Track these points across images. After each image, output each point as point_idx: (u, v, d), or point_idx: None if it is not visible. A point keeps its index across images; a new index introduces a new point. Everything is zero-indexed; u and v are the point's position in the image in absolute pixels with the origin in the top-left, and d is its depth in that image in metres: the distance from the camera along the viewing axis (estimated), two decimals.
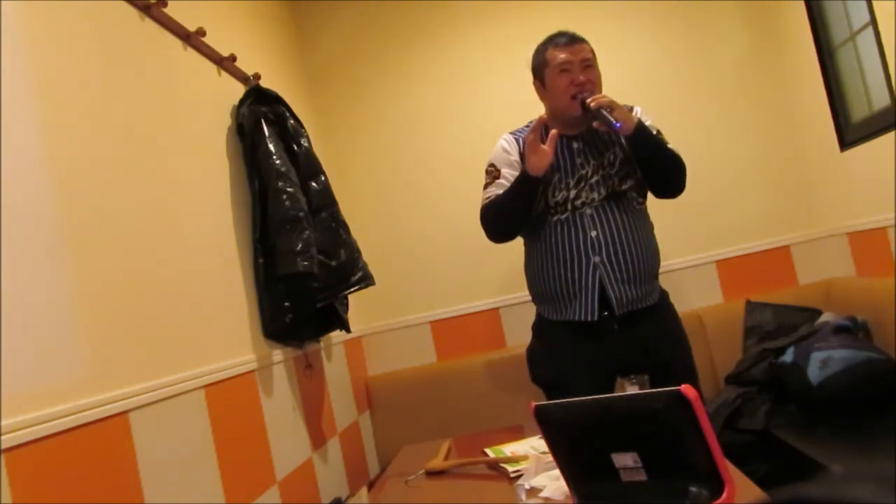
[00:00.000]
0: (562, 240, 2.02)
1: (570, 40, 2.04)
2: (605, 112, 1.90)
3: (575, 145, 2.05)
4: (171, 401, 1.45)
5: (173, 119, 1.76)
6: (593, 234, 1.99)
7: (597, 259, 1.98)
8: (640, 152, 1.99)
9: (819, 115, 2.75)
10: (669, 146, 2.04)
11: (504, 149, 2.12)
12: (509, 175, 2.06)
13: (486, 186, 2.12)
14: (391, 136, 3.12)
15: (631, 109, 2.06)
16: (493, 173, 2.11)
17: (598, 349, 2.00)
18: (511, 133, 2.15)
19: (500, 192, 2.06)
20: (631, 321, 1.99)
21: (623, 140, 2.01)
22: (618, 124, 1.89)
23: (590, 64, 2.02)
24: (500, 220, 2.08)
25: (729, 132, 2.99)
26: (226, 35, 2.16)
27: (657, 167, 2.02)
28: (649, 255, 2.03)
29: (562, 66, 2.01)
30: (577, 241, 1.99)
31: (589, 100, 1.94)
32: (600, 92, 2.02)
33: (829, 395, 2.17)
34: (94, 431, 1.21)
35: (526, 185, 1.98)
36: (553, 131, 1.92)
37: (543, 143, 1.92)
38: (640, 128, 1.96)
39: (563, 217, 2.02)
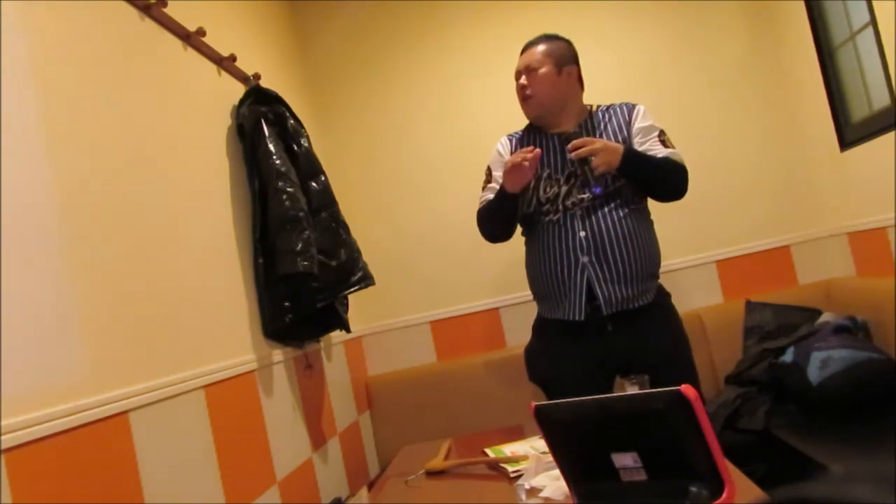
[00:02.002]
0: (553, 240, 2.03)
1: (527, 46, 2.16)
2: (587, 169, 1.98)
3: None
4: (171, 401, 1.45)
5: (173, 119, 1.75)
6: (582, 234, 2.00)
7: (585, 259, 1.99)
8: (632, 179, 2.02)
9: (819, 115, 2.75)
10: (670, 150, 2.03)
11: (499, 152, 2.19)
12: (500, 178, 2.10)
13: (482, 189, 2.19)
14: (391, 136, 3.12)
15: (633, 108, 2.07)
16: (487, 177, 2.20)
17: (594, 348, 2.01)
18: (508, 136, 2.20)
19: (491, 195, 2.13)
20: (627, 320, 1.99)
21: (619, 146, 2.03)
22: (597, 189, 1.99)
23: (534, 68, 2.10)
24: (488, 225, 2.18)
25: (729, 132, 2.99)
26: (226, 35, 2.16)
27: (654, 186, 2.06)
28: (642, 254, 2.02)
29: (516, 72, 2.15)
30: (567, 242, 2.01)
31: (568, 148, 1.97)
32: (545, 93, 2.09)
33: (829, 395, 2.17)
34: (94, 431, 1.21)
35: (504, 200, 2.04)
36: (537, 151, 1.94)
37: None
38: (627, 160, 1.95)
39: (555, 218, 2.04)
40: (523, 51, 2.15)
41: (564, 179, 2.03)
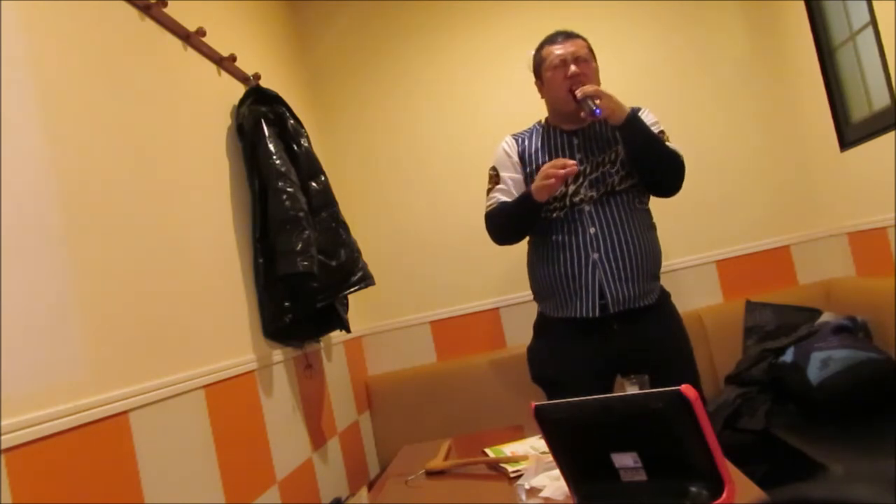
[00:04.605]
0: (562, 237, 2.03)
1: (566, 37, 2.08)
2: (588, 101, 1.93)
3: (575, 141, 2.08)
4: (171, 401, 1.45)
5: (173, 119, 1.75)
6: (592, 230, 2.00)
7: (595, 256, 1.99)
8: (630, 142, 2.01)
9: (819, 115, 2.75)
10: (669, 144, 2.04)
11: (505, 151, 2.16)
12: (509, 179, 2.11)
13: (488, 191, 2.16)
14: (391, 136, 3.12)
15: (637, 110, 2.07)
16: (493, 178, 2.16)
17: (599, 347, 2.01)
18: (513, 136, 2.18)
19: (501, 197, 2.10)
20: (630, 320, 2.00)
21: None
22: (598, 111, 1.92)
23: (585, 59, 2.04)
24: (501, 230, 2.14)
25: (729, 132, 2.99)
26: (226, 35, 2.16)
27: (650, 161, 2.02)
28: (648, 254, 2.03)
29: (556, 61, 2.04)
30: (577, 239, 2.00)
31: (577, 89, 1.97)
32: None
33: (829, 395, 2.17)
34: (94, 431, 1.21)
35: (527, 205, 2.00)
36: (573, 169, 1.90)
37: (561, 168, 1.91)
38: (632, 119, 1.97)
39: (563, 214, 2.03)
40: (556, 40, 2.08)
41: (572, 179, 2.02)
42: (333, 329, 2.34)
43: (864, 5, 2.35)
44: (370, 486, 2.61)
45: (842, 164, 2.68)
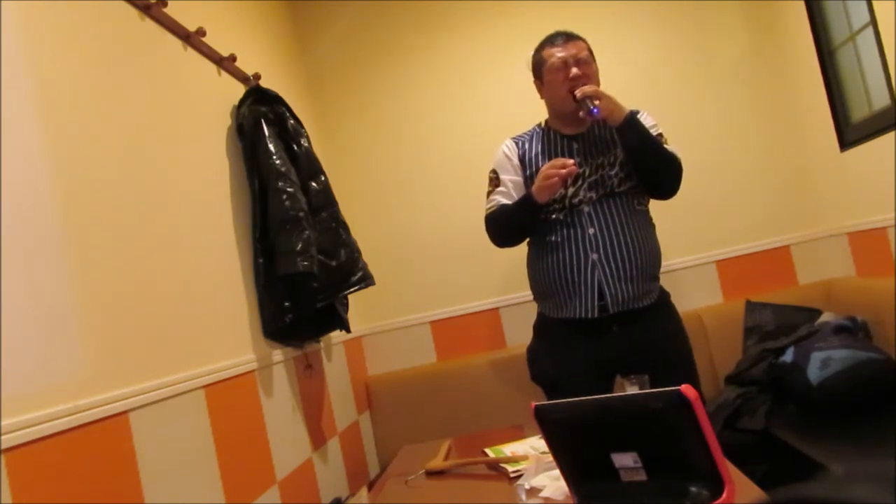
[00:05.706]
0: (561, 237, 2.03)
1: (567, 38, 2.08)
2: (587, 101, 1.93)
3: (575, 145, 2.08)
4: (171, 401, 1.45)
5: (173, 119, 1.75)
6: (591, 231, 2.00)
7: (595, 256, 1.99)
8: (629, 143, 2.01)
9: (819, 115, 2.75)
10: (668, 147, 2.04)
11: (505, 154, 2.16)
12: (509, 182, 2.11)
13: (488, 194, 2.17)
14: (391, 136, 3.13)
15: (637, 113, 2.07)
16: (494, 180, 2.16)
17: (598, 348, 2.01)
18: (513, 138, 2.18)
19: (501, 199, 2.11)
20: (630, 320, 2.00)
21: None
22: (596, 110, 1.92)
23: (585, 61, 2.04)
24: (502, 232, 2.15)
25: (729, 132, 2.99)
26: (226, 35, 2.16)
27: (648, 162, 2.02)
28: (647, 254, 2.03)
29: (558, 62, 2.04)
30: (576, 239, 2.01)
31: (576, 90, 1.97)
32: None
33: (829, 395, 2.17)
34: (94, 431, 1.21)
35: (527, 206, 2.01)
36: (574, 168, 1.91)
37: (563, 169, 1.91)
38: (631, 120, 1.97)
39: (562, 215, 2.03)
40: (557, 41, 2.07)
41: (572, 181, 2.02)
42: (333, 329, 2.34)
43: (864, 5, 2.35)
44: (370, 486, 2.61)
45: (842, 164, 2.68)
